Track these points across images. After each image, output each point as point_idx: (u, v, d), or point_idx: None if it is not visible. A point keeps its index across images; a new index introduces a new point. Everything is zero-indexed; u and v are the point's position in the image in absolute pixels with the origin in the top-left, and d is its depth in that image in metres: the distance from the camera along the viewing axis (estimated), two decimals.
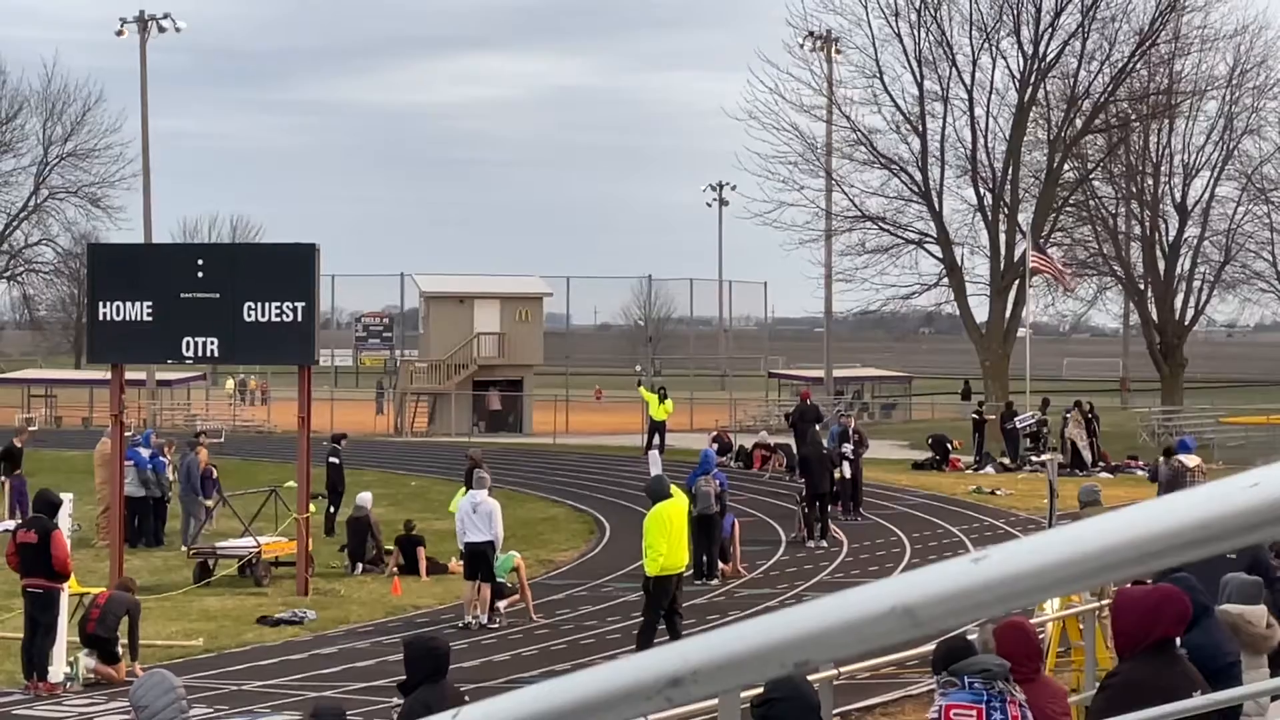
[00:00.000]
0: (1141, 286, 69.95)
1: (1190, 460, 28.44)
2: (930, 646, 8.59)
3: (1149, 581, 8.29)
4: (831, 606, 1.90)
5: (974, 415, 52.12)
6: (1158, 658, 7.82)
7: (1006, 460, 48.47)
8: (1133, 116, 65.78)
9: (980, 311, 62.30)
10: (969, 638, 8.74)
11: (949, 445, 49.53)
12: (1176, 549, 1.87)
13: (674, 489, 22.09)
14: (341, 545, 30.24)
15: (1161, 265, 69.33)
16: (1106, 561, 1.88)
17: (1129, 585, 8.42)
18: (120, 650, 20.67)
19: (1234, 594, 9.59)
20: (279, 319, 26.33)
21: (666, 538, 21.15)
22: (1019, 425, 48.75)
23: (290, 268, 26.70)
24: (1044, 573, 1.87)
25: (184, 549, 29.81)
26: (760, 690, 7.80)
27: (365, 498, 30.45)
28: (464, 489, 29.60)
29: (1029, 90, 61.32)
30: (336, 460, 34.66)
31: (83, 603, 21.31)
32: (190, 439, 36.07)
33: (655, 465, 24.83)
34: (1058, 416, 51.40)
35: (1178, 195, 69.76)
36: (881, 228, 62.56)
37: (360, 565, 29.00)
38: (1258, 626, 9.40)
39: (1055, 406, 53.00)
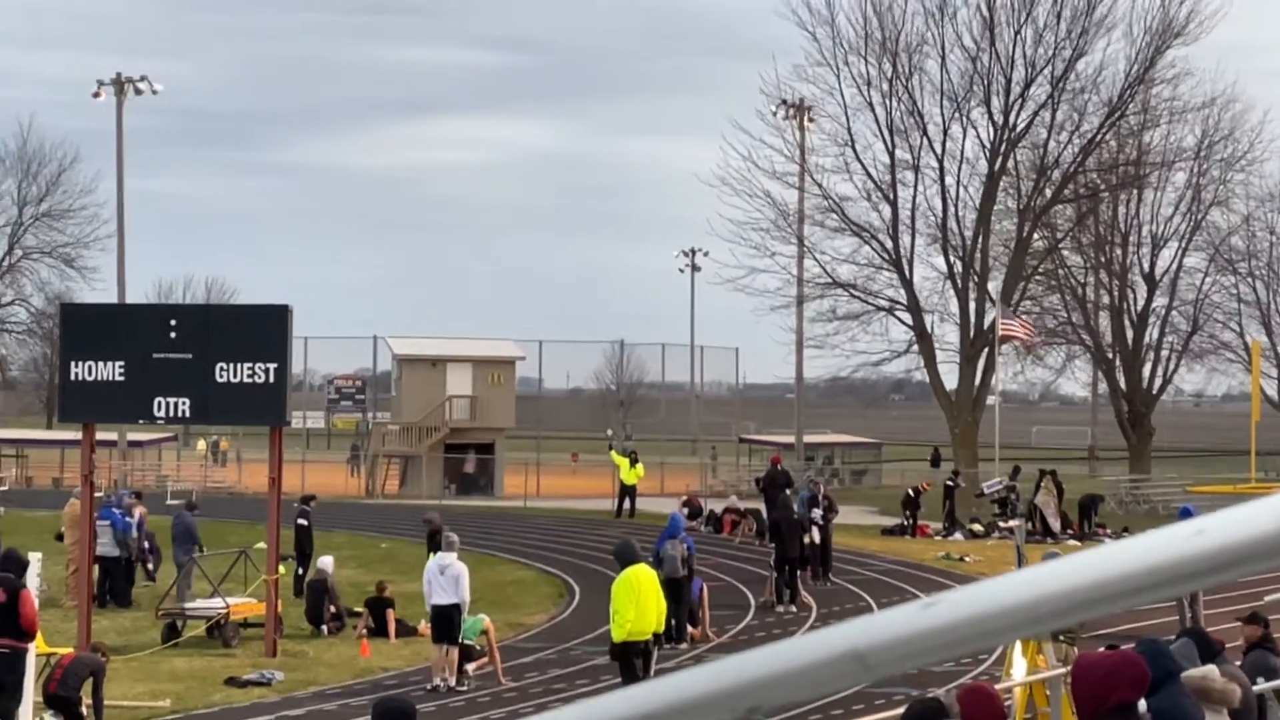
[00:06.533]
0: (1110, 355, 70.29)
1: None
2: (899, 710, 8.66)
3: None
4: (783, 651, 1.95)
5: (947, 482, 52.23)
6: None
7: (976, 527, 48.64)
8: (1102, 187, 66.26)
9: (950, 378, 62.52)
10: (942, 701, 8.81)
11: (913, 492, 49.72)
12: (1124, 594, 1.94)
13: None
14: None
15: (1130, 334, 69.70)
16: (1056, 606, 1.94)
17: (1090, 651, 8.51)
18: (85, 711, 20.56)
19: (1182, 659, 9.70)
20: (251, 380, 26.31)
21: (634, 603, 21.11)
22: (986, 491, 48.90)
23: (263, 329, 26.70)
24: (994, 618, 1.93)
25: (158, 609, 29.59)
26: None
27: (326, 561, 30.47)
28: (430, 553, 29.67)
29: (999, 160, 61.76)
30: (305, 522, 34.58)
31: (49, 663, 21.20)
32: (189, 500, 36.26)
33: None
34: (1029, 484, 51.60)
35: (1146, 265, 70.24)
36: (852, 294, 62.85)
37: (324, 627, 28.92)
38: (1219, 682, 9.53)
39: (1026, 474, 53.16)
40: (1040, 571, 1.97)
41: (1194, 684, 9.46)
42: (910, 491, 50.31)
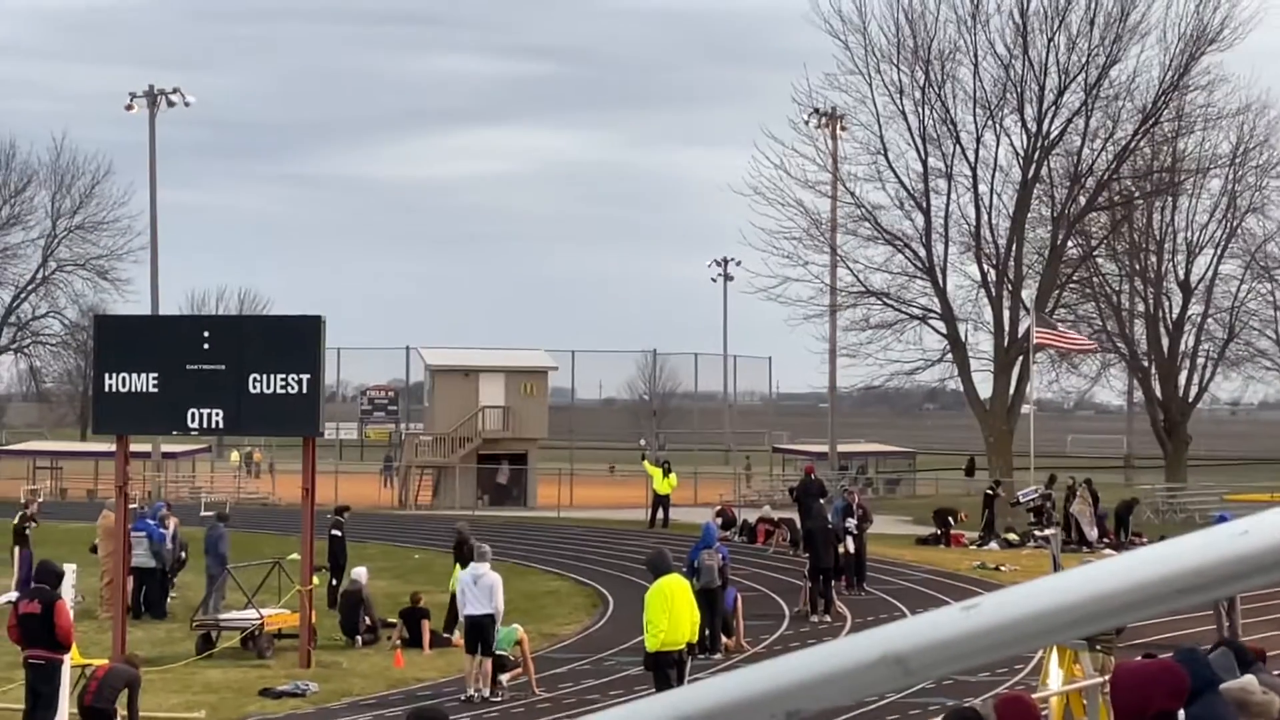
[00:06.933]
0: (1145, 363, 69.97)
1: None
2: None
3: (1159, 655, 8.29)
4: (822, 655, 1.91)
5: (987, 491, 51.91)
6: None
7: (1012, 536, 48.42)
8: (1136, 194, 65.99)
9: (984, 387, 62.30)
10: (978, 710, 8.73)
11: (951, 519, 49.51)
12: (1167, 596, 1.88)
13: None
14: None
15: (1165, 342, 69.36)
16: (1097, 609, 1.89)
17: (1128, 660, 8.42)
18: None
19: (1221, 670, 9.60)
20: (284, 391, 26.37)
21: (668, 613, 21.06)
22: (1021, 499, 48.70)
23: (296, 340, 26.76)
24: (1035, 620, 1.88)
25: (192, 620, 29.64)
26: None
27: (360, 572, 30.47)
28: (456, 564, 29.66)
29: (1032, 167, 61.55)
30: (339, 533, 34.63)
31: (84, 674, 21.22)
32: (220, 512, 36.32)
33: None
34: (1062, 493, 51.39)
35: (1181, 273, 69.90)
36: (885, 303, 62.67)
37: (359, 638, 28.94)
38: (1258, 693, 9.43)
39: (1061, 483, 52.98)
40: (1083, 573, 1.91)
41: (1233, 695, 9.36)
42: (950, 517, 49.92)
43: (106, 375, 26.92)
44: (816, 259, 62.50)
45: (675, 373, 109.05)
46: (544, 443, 68.74)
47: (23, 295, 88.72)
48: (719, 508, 50.90)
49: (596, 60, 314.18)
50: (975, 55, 61.00)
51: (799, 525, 41.48)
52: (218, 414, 26.62)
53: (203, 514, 46.94)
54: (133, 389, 26.59)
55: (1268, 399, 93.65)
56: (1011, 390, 61.37)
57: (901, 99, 61.25)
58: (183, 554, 34.65)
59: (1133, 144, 62.82)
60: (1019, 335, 59.28)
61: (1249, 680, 9.56)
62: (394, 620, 29.10)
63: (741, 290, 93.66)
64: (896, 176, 61.91)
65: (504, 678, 24.38)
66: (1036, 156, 61.51)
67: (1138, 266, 69.16)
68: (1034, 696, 11.45)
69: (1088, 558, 28.99)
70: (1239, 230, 69.55)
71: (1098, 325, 69.51)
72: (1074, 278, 66.00)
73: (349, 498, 49.08)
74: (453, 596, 29.70)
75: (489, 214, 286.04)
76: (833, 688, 1.88)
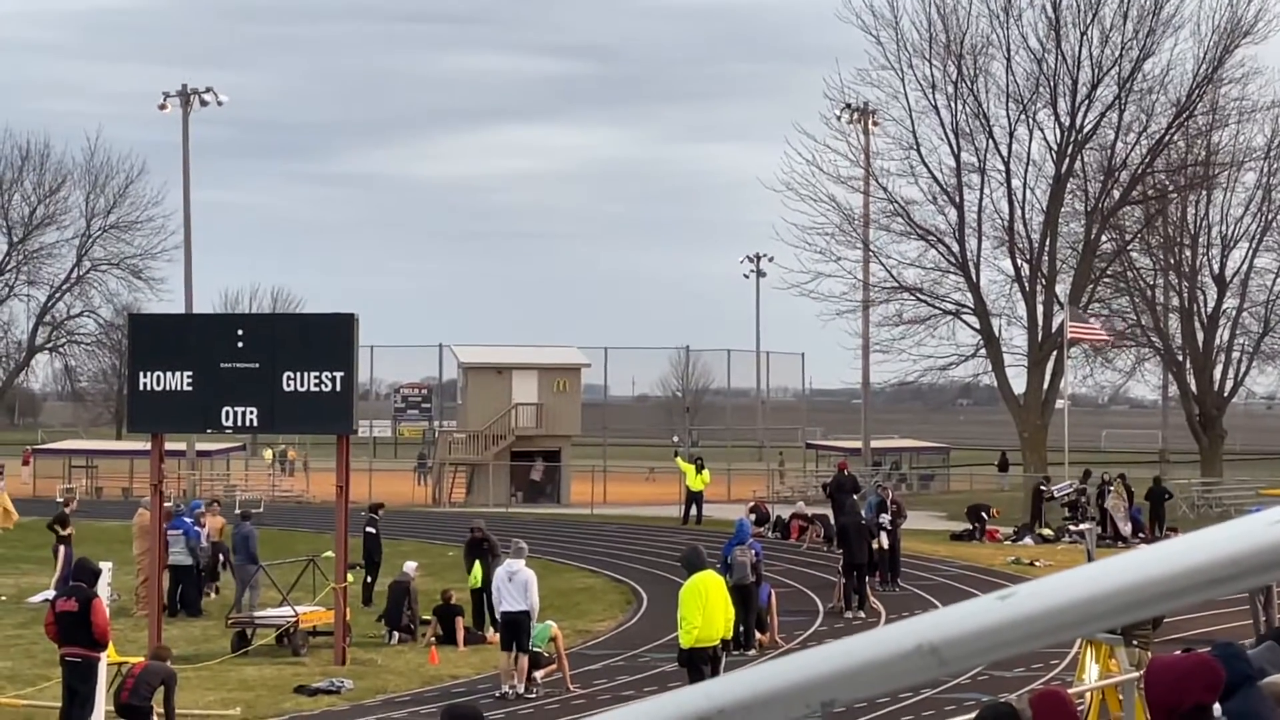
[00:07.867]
0: (1180, 358, 69.61)
1: None
2: (970, 716, 8.56)
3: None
4: (857, 645, 1.90)
5: (1040, 486, 51.62)
6: None
7: (1046, 531, 48.28)
8: (1170, 188, 65.65)
9: (1018, 383, 62.11)
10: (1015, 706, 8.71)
11: (985, 514, 49.39)
12: (1201, 585, 1.88)
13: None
14: (379, 615, 30.25)
15: (1200, 337, 68.97)
16: (1132, 598, 1.88)
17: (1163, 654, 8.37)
18: None
19: (1265, 663, 9.53)
20: (318, 389, 26.41)
21: (701, 610, 21.04)
22: (1056, 494, 48.54)
23: (329, 338, 26.79)
24: (1070, 609, 1.88)
25: (228, 618, 29.75)
26: None
27: (410, 566, 30.52)
28: (476, 560, 29.70)
29: (1066, 162, 61.32)
30: (373, 530, 34.67)
31: (120, 672, 21.30)
32: (246, 509, 36.42)
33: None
34: (1095, 489, 51.21)
35: (1216, 266, 69.48)
36: (919, 298, 62.51)
37: (395, 633, 28.99)
38: None
39: (1093, 478, 52.84)
40: (1117, 563, 1.90)
41: (1276, 689, 9.30)
42: (984, 513, 49.84)
43: (141, 374, 26.99)
44: (849, 254, 62.41)
45: (708, 369, 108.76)
46: (577, 440, 68.75)
47: (58, 295, 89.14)
48: (753, 504, 50.84)
49: (627, 57, 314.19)
50: (1008, 49, 60.84)
51: (833, 521, 41.43)
52: (252, 412, 26.68)
53: (236, 512, 47.12)
54: (167, 387, 26.65)
55: None
56: (1046, 385, 61.16)
57: (934, 94, 61.15)
58: (222, 557, 34.65)
59: (1167, 137, 62.52)
60: (1053, 330, 59.10)
61: None
62: (428, 617, 29.15)
63: (774, 286, 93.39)
64: (929, 171, 61.80)
65: (538, 674, 24.41)
66: (1070, 151, 61.29)
67: (1172, 260, 68.79)
68: (1070, 692, 11.40)
69: (1122, 552, 28.87)
70: (1274, 223, 69.16)
71: (1132, 319, 69.21)
72: (1108, 272, 65.72)
73: (383, 495, 49.17)
74: (474, 592, 29.79)
75: (520, 212, 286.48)
76: (867, 678, 1.87)
